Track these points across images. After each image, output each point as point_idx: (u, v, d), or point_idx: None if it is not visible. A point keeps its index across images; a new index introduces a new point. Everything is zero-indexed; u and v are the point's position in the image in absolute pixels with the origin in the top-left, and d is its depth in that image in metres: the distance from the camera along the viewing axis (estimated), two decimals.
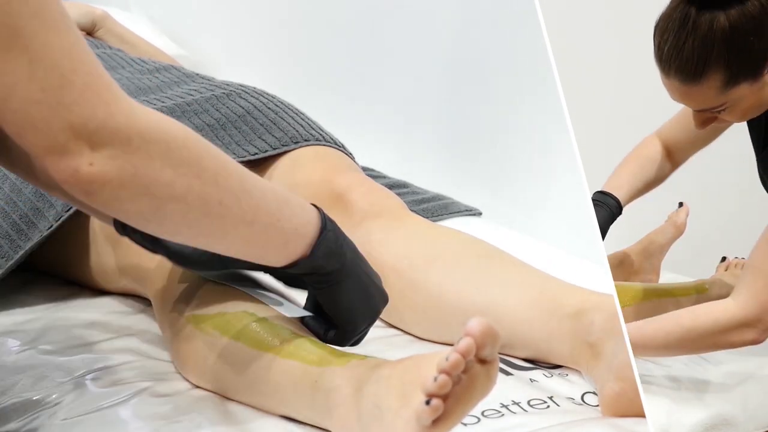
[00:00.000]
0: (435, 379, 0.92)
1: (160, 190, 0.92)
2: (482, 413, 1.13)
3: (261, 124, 1.57)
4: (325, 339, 1.14)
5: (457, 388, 0.93)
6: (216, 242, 1.01)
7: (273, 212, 1.02)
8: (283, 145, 1.54)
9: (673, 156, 1.51)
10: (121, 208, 0.92)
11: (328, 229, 1.08)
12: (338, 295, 1.11)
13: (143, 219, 0.94)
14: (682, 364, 1.34)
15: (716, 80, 1.21)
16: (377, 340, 1.34)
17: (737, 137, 1.43)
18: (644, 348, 1.25)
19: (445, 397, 0.93)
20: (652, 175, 1.49)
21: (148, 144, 0.91)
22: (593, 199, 1.44)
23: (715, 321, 1.23)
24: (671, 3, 1.23)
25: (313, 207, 1.08)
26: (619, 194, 1.45)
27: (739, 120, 1.29)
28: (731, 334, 1.23)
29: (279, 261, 1.06)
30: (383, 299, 1.15)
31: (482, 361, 0.94)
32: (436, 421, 0.93)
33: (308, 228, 1.06)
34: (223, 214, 0.97)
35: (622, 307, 1.39)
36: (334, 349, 1.11)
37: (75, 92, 0.87)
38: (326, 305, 1.12)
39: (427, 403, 0.92)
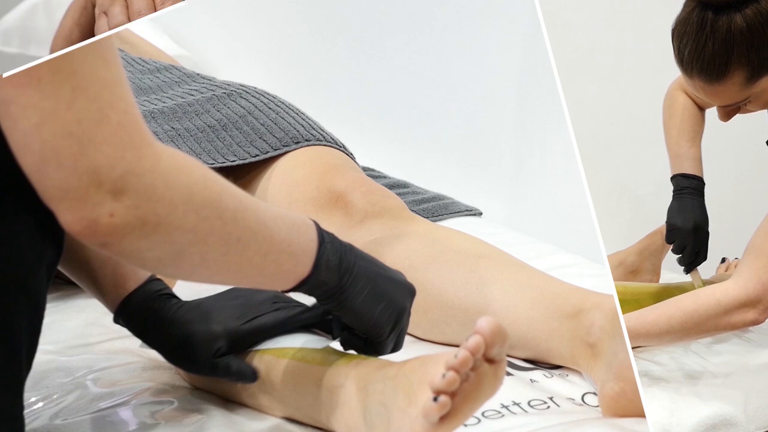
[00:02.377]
0: (443, 376, 0.92)
1: (183, 237, 0.88)
2: (483, 414, 1.13)
3: (262, 125, 1.56)
4: (365, 352, 1.10)
5: (465, 386, 0.93)
6: (230, 278, 0.97)
7: (284, 239, 0.98)
8: (284, 146, 1.54)
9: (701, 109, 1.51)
10: (139, 257, 0.87)
11: (326, 241, 1.03)
12: (351, 304, 1.05)
13: (160, 264, 0.90)
14: (682, 364, 1.34)
15: (739, 77, 1.23)
16: None
17: (738, 138, 1.43)
18: (647, 335, 1.25)
19: (452, 395, 0.92)
20: (701, 136, 1.49)
21: (172, 191, 0.86)
22: (685, 187, 1.44)
23: (717, 302, 1.23)
24: (686, 7, 1.25)
25: (311, 222, 1.03)
26: (699, 171, 1.44)
27: (763, 108, 1.31)
28: (732, 315, 1.23)
29: (287, 284, 1.02)
30: (408, 292, 1.10)
31: (490, 361, 0.94)
32: (443, 419, 0.93)
33: (311, 245, 1.02)
34: (241, 250, 0.93)
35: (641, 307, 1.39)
36: (337, 349, 1.11)
37: (108, 130, 0.82)
38: (345, 318, 1.08)
39: (435, 399, 0.92)
